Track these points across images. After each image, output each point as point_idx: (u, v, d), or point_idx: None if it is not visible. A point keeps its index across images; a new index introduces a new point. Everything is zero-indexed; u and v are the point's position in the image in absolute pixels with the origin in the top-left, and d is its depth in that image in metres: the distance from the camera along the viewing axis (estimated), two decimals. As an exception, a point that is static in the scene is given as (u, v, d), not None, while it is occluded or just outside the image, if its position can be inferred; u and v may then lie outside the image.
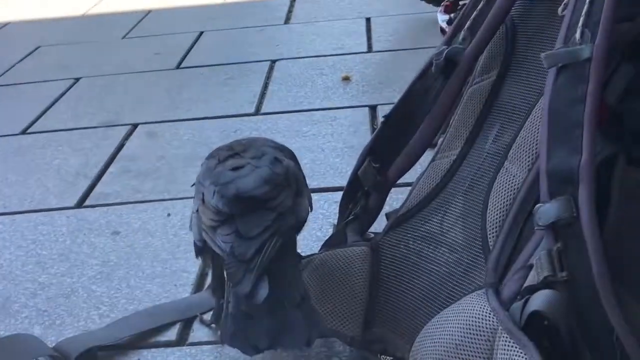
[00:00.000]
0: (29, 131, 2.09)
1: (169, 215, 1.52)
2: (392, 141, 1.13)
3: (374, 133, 1.16)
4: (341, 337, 1.06)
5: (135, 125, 2.04)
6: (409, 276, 1.05)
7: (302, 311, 0.97)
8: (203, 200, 1.03)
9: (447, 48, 1.10)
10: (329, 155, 1.74)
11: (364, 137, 1.80)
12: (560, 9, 1.01)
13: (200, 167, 1.10)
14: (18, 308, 1.28)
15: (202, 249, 1.06)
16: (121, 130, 2.01)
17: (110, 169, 1.79)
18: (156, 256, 1.38)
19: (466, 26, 1.10)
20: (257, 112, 2.05)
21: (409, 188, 1.14)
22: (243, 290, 0.94)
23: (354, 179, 1.16)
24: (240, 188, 1.00)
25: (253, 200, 1.00)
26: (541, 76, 1.01)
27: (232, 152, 1.09)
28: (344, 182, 1.22)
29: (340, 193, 1.22)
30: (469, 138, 1.07)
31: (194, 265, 1.33)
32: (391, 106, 1.15)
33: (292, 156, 1.13)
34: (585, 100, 0.87)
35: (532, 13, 1.08)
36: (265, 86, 2.23)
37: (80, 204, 1.63)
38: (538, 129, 0.96)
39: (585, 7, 0.91)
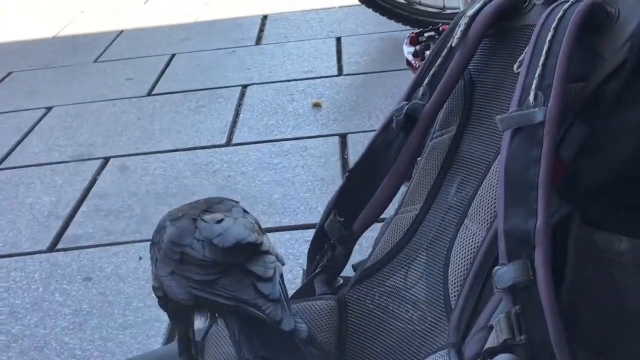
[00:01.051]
0: (1, 167, 2.09)
1: (140, 259, 1.54)
2: (356, 195, 1.14)
3: (339, 187, 1.17)
4: (309, 392, 1.08)
5: (107, 159, 2.05)
6: (375, 332, 1.07)
7: (315, 346, 0.99)
8: (181, 261, 1.04)
9: (407, 104, 1.12)
10: (300, 189, 1.76)
11: (334, 168, 1.82)
12: (515, 67, 1.03)
13: (159, 231, 1.10)
14: (-9, 363, 1.30)
15: (192, 307, 1.07)
16: (93, 165, 2.02)
17: (83, 207, 1.80)
18: (128, 304, 1.40)
19: (425, 82, 1.11)
20: (228, 142, 2.07)
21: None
22: (289, 326, 0.95)
23: (320, 232, 1.18)
24: (238, 236, 1.02)
25: (250, 246, 1.02)
26: (499, 132, 1.03)
27: (201, 210, 1.10)
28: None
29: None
30: (430, 192, 1.09)
31: (165, 314, 1.34)
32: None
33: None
34: (540, 163, 0.89)
35: (489, 68, 1.10)
36: (237, 114, 2.25)
37: (52, 248, 1.64)
38: (496, 187, 0.98)
39: (538, 69, 0.93)
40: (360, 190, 1.15)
